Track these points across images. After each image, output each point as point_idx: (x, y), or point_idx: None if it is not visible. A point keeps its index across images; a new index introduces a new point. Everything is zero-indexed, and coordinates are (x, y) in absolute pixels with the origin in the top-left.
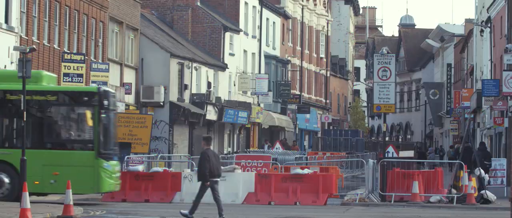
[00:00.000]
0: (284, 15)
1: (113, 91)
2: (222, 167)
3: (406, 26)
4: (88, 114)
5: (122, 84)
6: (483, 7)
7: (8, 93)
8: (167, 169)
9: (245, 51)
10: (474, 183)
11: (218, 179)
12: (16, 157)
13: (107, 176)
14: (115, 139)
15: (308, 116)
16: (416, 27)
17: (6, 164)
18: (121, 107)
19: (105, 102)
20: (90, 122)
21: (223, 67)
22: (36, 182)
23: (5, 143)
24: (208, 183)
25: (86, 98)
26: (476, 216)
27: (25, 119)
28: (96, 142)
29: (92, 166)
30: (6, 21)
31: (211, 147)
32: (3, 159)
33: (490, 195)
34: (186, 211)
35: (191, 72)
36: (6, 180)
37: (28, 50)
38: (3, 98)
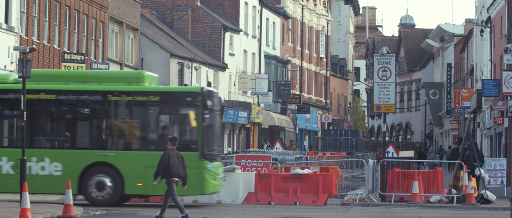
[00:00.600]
0: (284, 15)
1: (216, 91)
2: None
3: (406, 26)
4: (192, 114)
5: None
6: (483, 7)
7: (109, 94)
8: None
9: (245, 51)
10: (474, 183)
11: (176, 179)
12: (119, 158)
13: (211, 178)
14: (219, 139)
15: (308, 116)
16: (416, 27)
17: (109, 166)
18: None
19: (209, 102)
20: (193, 123)
21: (223, 67)
22: (139, 184)
23: (107, 145)
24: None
25: (189, 98)
26: (476, 216)
27: (24, 119)
28: (199, 143)
29: (196, 168)
30: (6, 21)
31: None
32: (106, 161)
33: (490, 195)
34: (180, 215)
35: (191, 72)
36: (109, 183)
37: (28, 50)
38: (104, 99)
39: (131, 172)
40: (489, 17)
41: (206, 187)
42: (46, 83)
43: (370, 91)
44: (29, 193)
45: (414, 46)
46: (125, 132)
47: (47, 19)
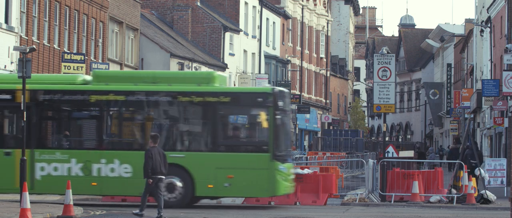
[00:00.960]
0: (284, 15)
1: (287, 90)
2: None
3: (406, 26)
4: (263, 115)
5: None
6: (483, 7)
7: (179, 95)
8: None
9: (245, 51)
10: (474, 183)
11: (162, 177)
12: (190, 160)
13: (282, 179)
14: (290, 140)
15: (308, 116)
16: (416, 27)
17: (180, 168)
18: None
19: (280, 103)
20: (264, 124)
21: (223, 67)
22: (210, 186)
23: (177, 146)
24: (151, 181)
25: (260, 99)
26: (476, 216)
27: (25, 119)
28: (271, 144)
29: (267, 169)
30: (6, 21)
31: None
32: (176, 163)
33: (490, 195)
34: (137, 211)
35: None
36: (179, 184)
37: (28, 50)
38: (174, 100)
39: (201, 173)
40: (489, 17)
41: (277, 188)
42: (114, 84)
43: (370, 91)
44: (97, 195)
45: (414, 46)
46: (195, 133)
47: (47, 19)
